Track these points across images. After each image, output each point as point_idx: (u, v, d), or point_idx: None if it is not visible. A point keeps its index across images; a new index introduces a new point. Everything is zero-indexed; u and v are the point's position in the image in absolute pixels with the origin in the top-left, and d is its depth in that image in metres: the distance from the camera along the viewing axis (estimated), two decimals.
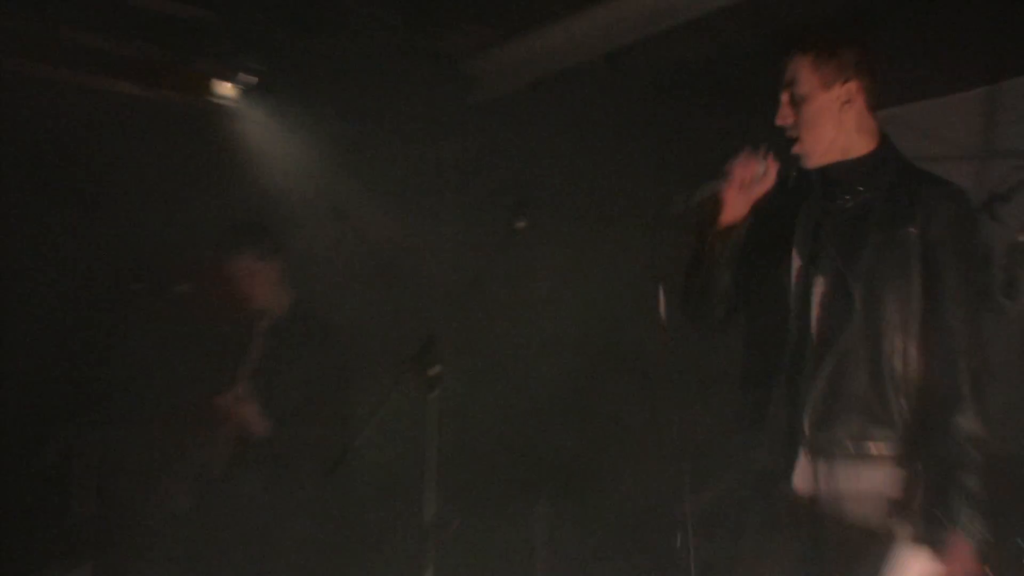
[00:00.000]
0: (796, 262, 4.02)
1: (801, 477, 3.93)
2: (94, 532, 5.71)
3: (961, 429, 3.74)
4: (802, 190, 4.12)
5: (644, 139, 7.75)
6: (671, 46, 7.57)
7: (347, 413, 5.96)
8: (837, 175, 4.05)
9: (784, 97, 4.04)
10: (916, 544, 3.74)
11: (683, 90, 7.90)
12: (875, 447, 3.84)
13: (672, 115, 7.57)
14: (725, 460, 4.34)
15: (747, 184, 4.05)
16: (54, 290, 7.68)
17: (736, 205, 4.08)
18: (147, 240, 7.45)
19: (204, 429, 6.02)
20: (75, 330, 7.33)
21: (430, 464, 4.41)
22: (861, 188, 4.00)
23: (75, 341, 7.18)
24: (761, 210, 4.18)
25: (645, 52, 7.63)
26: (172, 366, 6.35)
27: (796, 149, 4.05)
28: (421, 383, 4.40)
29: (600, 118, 8.03)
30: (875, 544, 3.77)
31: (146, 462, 6.34)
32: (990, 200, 7.03)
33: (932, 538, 3.71)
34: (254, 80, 7.81)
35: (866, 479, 3.85)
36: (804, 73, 4.00)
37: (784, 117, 4.04)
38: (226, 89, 7.97)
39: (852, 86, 4.02)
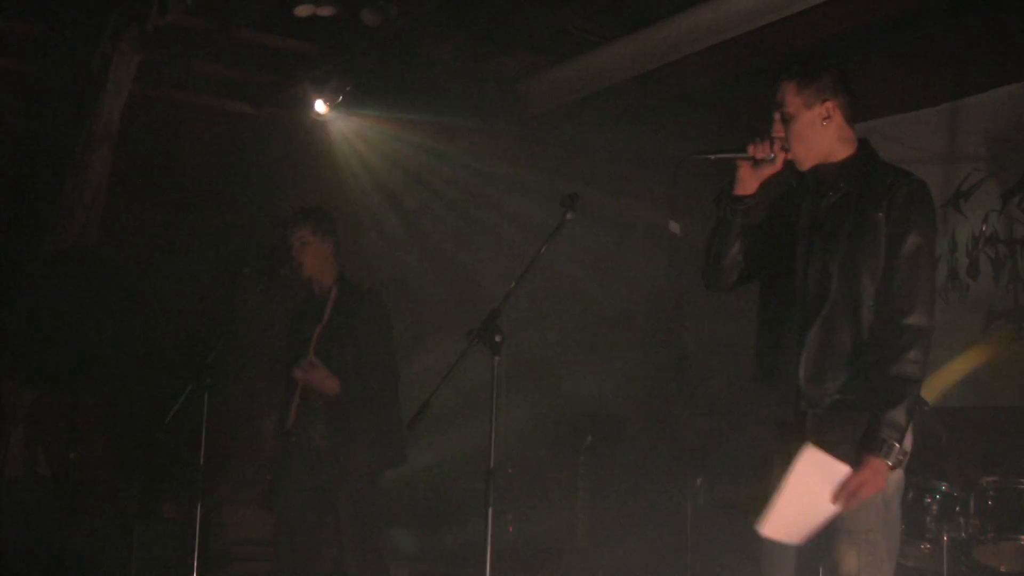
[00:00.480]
0: (801, 246, 4.02)
1: (808, 428, 3.89)
2: (202, 477, 5.65)
3: (901, 370, 3.73)
4: (804, 188, 4.12)
5: (668, 148, 7.70)
6: (688, 71, 7.54)
7: (416, 375, 5.90)
8: (824, 175, 4.06)
9: (776, 115, 4.06)
10: (815, 449, 3.75)
11: (700, 107, 7.84)
12: (854, 398, 3.84)
13: (690, 128, 7.48)
14: (746, 412, 4.29)
15: (758, 163, 4.04)
16: (184, 274, 7.75)
17: (747, 179, 4.08)
18: (256, 231, 7.47)
19: (285, 392, 5.96)
20: (198, 308, 7.36)
21: (494, 418, 4.36)
22: (843, 185, 4.01)
23: (198, 316, 7.20)
24: (777, 203, 4.21)
25: (668, 75, 7.61)
26: (267, 337, 6.32)
27: (789, 156, 4.04)
28: (487, 349, 4.36)
29: (631, 130, 7.97)
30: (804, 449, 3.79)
31: (241, 420, 6.32)
32: (955, 197, 6.98)
33: (859, 451, 3.72)
34: (340, 99, 7.78)
35: (848, 425, 3.82)
36: (789, 96, 4.01)
37: (777, 131, 4.05)
38: (321, 107, 7.95)
39: (830, 105, 4.01)
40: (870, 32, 7.03)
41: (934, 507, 5.61)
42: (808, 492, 3.74)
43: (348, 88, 7.85)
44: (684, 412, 6.94)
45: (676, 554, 7.03)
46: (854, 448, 3.74)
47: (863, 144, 4.09)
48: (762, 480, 4.07)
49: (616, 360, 8.18)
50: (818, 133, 3.99)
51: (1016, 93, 6.78)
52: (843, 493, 3.71)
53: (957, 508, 5.63)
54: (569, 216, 4.53)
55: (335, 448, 5.85)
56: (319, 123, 8.24)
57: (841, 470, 3.71)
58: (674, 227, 4.20)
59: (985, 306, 6.82)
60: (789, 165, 4.08)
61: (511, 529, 7.42)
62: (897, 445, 3.68)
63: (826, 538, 3.83)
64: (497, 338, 4.39)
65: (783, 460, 3.88)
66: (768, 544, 3.96)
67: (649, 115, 8.05)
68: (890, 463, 3.69)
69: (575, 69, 7.88)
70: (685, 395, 7.35)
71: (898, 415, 3.69)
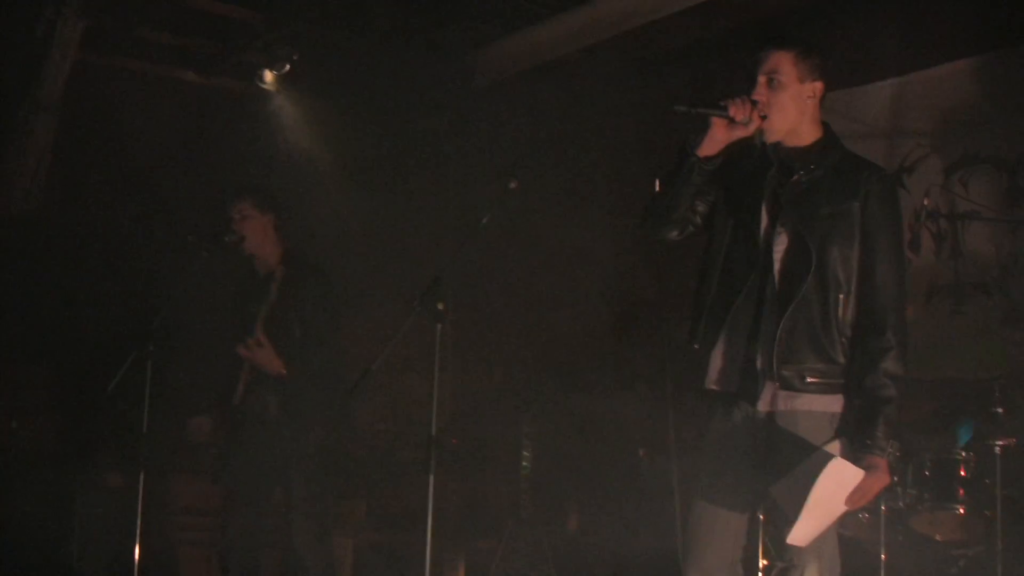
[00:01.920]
0: (764, 220, 4.07)
1: (764, 402, 3.99)
2: (146, 446, 5.65)
3: (887, 370, 3.85)
4: (765, 164, 4.14)
5: (622, 117, 7.71)
6: (643, 40, 7.53)
7: (357, 344, 5.92)
8: (792, 155, 4.10)
9: (762, 79, 4.06)
10: (846, 458, 3.85)
11: (656, 77, 7.85)
12: (823, 380, 3.94)
13: (647, 98, 7.49)
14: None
15: (734, 124, 4.03)
16: (128, 242, 7.72)
17: (717, 138, 4.06)
18: (201, 200, 7.44)
19: (231, 366, 5.94)
20: (143, 276, 7.32)
21: (436, 386, 4.37)
22: (812, 166, 4.06)
23: (142, 285, 7.16)
24: (735, 170, 4.21)
25: (619, 46, 7.60)
26: (210, 306, 6.30)
27: (763, 124, 4.04)
28: (429, 316, 4.37)
29: (582, 100, 7.98)
30: (817, 456, 3.86)
31: (185, 390, 6.30)
32: (899, 171, 7.03)
33: (859, 456, 3.84)
34: (287, 68, 7.75)
35: (817, 405, 3.94)
36: (786, 66, 4.03)
37: (760, 95, 4.04)
38: (267, 76, 7.92)
39: (819, 85, 4.11)
40: (819, 6, 7.05)
41: None
42: (828, 496, 3.84)
43: (295, 57, 7.83)
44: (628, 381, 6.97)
45: (623, 525, 7.09)
46: (846, 445, 3.87)
47: (828, 128, 4.17)
48: (704, 452, 4.16)
49: (562, 326, 8.22)
50: (800, 108, 4.05)
51: (960, 70, 6.84)
52: (856, 496, 3.84)
53: (895, 478, 5.71)
54: (512, 186, 4.55)
55: (285, 422, 5.86)
56: (266, 92, 8.20)
57: (856, 474, 3.82)
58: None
59: (926, 280, 6.88)
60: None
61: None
62: (894, 441, 3.95)
63: (772, 510, 3.95)
64: (440, 306, 4.41)
65: (726, 430, 4.03)
66: (704, 517, 4.07)
67: (597, 87, 8.04)
68: (890, 460, 3.90)
69: (524, 40, 7.87)
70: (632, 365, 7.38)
71: (891, 413, 3.83)
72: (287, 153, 8.21)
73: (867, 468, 3.81)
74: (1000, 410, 5.57)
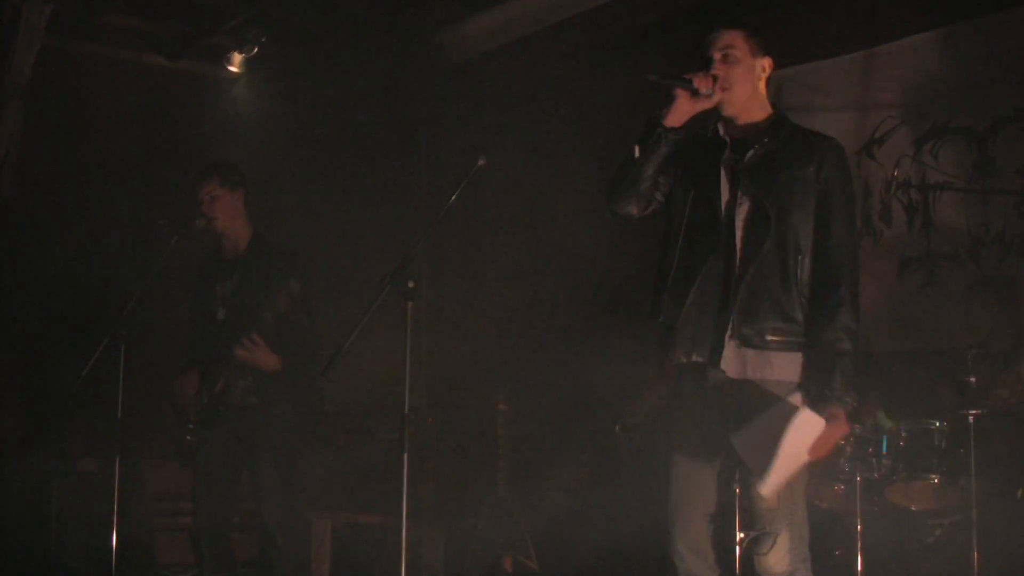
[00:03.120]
0: (724, 193, 4.18)
1: (729, 363, 4.07)
2: (120, 432, 5.62)
3: (842, 324, 3.99)
4: (720, 143, 4.27)
5: (592, 94, 7.70)
6: (611, 17, 7.52)
7: (328, 325, 5.87)
8: (744, 132, 4.24)
9: (717, 55, 4.20)
10: (808, 410, 3.95)
11: (625, 53, 7.83)
12: (783, 338, 4.05)
13: (616, 75, 7.48)
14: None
15: (697, 96, 4.18)
16: (100, 228, 7.68)
17: (682, 110, 4.21)
18: (171, 184, 7.39)
19: (211, 356, 5.90)
20: (115, 262, 7.28)
21: (408, 364, 4.36)
22: (766, 140, 4.19)
23: (115, 271, 7.11)
24: (692, 151, 4.31)
25: (587, 23, 7.59)
26: (183, 291, 6.26)
27: (719, 97, 4.18)
28: (400, 294, 4.36)
29: (551, 78, 7.97)
30: (782, 410, 3.96)
31: (159, 374, 6.25)
32: (868, 144, 7.04)
33: (819, 407, 3.95)
34: (255, 51, 7.72)
35: (780, 361, 4.05)
36: (739, 41, 4.21)
37: (718, 70, 4.19)
38: (236, 59, 7.88)
39: (767, 62, 4.27)
40: None
41: (848, 449, 5.71)
42: (794, 448, 3.93)
43: (263, 39, 7.79)
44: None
45: (600, 502, 7.10)
46: (803, 391, 4.00)
47: (776, 106, 4.34)
48: (675, 420, 4.20)
49: (536, 310, 8.22)
50: (753, 83, 4.23)
51: (928, 41, 6.85)
52: (818, 445, 3.94)
53: (870, 449, 5.74)
54: (480, 163, 4.57)
55: (258, 406, 5.83)
56: (234, 75, 8.15)
57: (819, 423, 3.92)
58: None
59: (898, 251, 6.90)
60: (703, 117, 4.25)
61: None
62: (852, 392, 3.97)
63: (744, 473, 4.02)
64: (410, 284, 4.40)
65: (696, 397, 4.13)
66: (685, 475, 4.17)
67: (566, 64, 8.03)
68: (848, 410, 3.98)
69: (492, 19, 7.84)
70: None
71: (848, 366, 3.96)
72: (255, 136, 8.16)
73: (828, 418, 3.92)
74: (972, 379, 5.60)
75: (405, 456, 4.36)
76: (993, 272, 6.45)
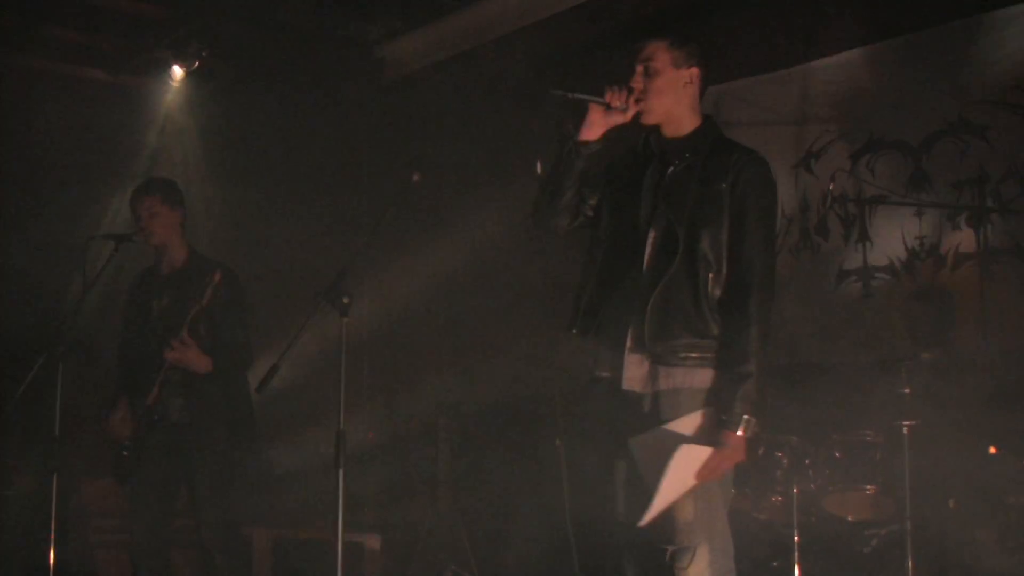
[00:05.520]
0: (644, 210, 4.13)
1: (636, 380, 4.02)
2: (58, 449, 5.57)
3: (748, 345, 3.89)
4: (648, 155, 4.23)
5: (532, 108, 7.72)
6: (552, 31, 7.53)
7: (264, 341, 5.84)
8: (670, 145, 4.19)
9: (639, 67, 4.14)
10: (712, 429, 3.89)
11: (567, 67, 7.87)
12: (698, 355, 3.98)
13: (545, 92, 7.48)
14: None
15: (611, 110, 4.11)
16: (37, 245, 7.60)
17: (595, 124, 4.14)
18: (110, 200, 7.36)
19: (143, 369, 5.86)
20: (51, 278, 7.21)
21: (344, 379, 4.34)
22: (688, 155, 4.13)
23: (51, 287, 7.05)
24: (617, 162, 4.30)
25: (528, 37, 7.60)
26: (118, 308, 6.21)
27: (639, 107, 4.11)
28: (335, 310, 4.34)
29: (490, 93, 7.98)
30: (676, 428, 3.92)
31: (96, 391, 6.20)
32: (806, 158, 7.09)
33: (716, 432, 3.88)
34: (196, 64, 7.69)
35: (691, 379, 3.97)
36: (660, 53, 4.13)
37: (636, 82, 4.13)
38: (177, 73, 7.84)
39: (694, 71, 4.17)
40: None
41: (784, 461, 5.76)
42: (680, 476, 3.86)
43: (204, 54, 7.76)
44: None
45: (539, 515, 7.09)
46: (710, 417, 3.89)
47: (708, 118, 4.24)
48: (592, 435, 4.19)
49: (477, 324, 8.22)
50: (677, 94, 4.13)
51: (862, 57, 6.92)
52: (705, 471, 3.85)
53: (807, 461, 5.78)
54: (415, 178, 4.55)
55: (192, 422, 5.80)
56: (176, 89, 8.11)
57: (706, 452, 3.84)
58: (539, 167, 4.28)
59: (835, 264, 6.96)
60: (636, 129, 4.18)
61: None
62: (751, 418, 3.83)
63: None
64: (345, 300, 4.37)
65: (611, 413, 4.05)
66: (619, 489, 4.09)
67: (507, 78, 8.04)
68: (747, 436, 3.84)
69: (433, 33, 7.85)
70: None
71: (750, 389, 3.84)
72: (196, 150, 8.12)
73: (720, 444, 3.85)
74: (907, 391, 5.64)
75: (340, 472, 4.33)
76: (928, 284, 6.52)
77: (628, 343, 4.01)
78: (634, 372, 4.02)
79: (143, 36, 8.03)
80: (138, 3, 7.68)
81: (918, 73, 6.69)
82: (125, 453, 5.85)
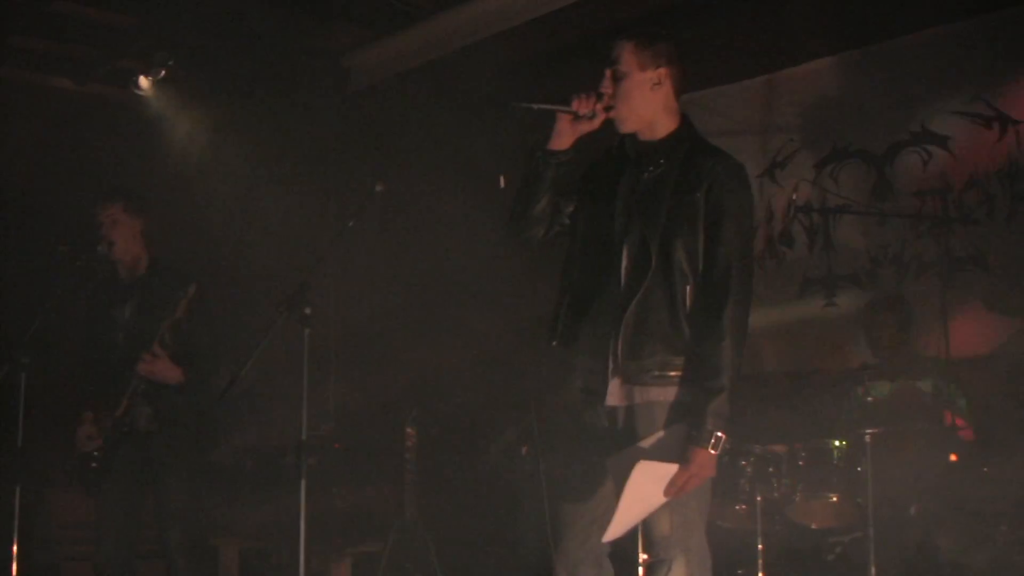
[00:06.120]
0: (619, 218, 4.05)
1: (614, 396, 3.96)
2: (21, 462, 5.53)
3: (721, 359, 3.80)
4: (624, 159, 4.14)
5: (500, 118, 7.70)
6: (520, 40, 7.54)
7: (232, 350, 5.82)
8: (646, 149, 4.09)
9: (608, 72, 4.05)
10: (652, 462, 3.82)
11: (535, 75, 7.88)
12: (674, 372, 3.91)
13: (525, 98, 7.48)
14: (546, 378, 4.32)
15: (578, 118, 4.03)
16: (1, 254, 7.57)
17: (565, 133, 4.06)
18: (76, 209, 7.31)
19: (113, 380, 5.83)
20: (15, 287, 7.16)
21: (305, 390, 4.33)
22: (663, 161, 4.03)
23: (15, 296, 7.00)
24: (594, 168, 4.23)
25: (496, 46, 7.61)
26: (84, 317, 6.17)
27: (611, 115, 4.04)
28: (297, 321, 4.33)
29: (456, 101, 7.98)
30: (647, 446, 3.86)
31: (61, 402, 6.16)
32: (771, 167, 7.13)
33: (686, 449, 3.81)
34: (163, 73, 7.66)
35: (667, 394, 3.90)
36: (626, 55, 4.01)
37: (606, 87, 4.04)
38: (143, 82, 7.82)
39: (663, 72, 4.03)
40: (686, 6, 7.10)
41: (748, 469, 5.76)
42: (641, 494, 3.82)
43: (171, 63, 7.73)
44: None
45: (505, 526, 7.09)
46: (681, 434, 3.81)
47: (685, 119, 4.12)
48: (571, 448, 4.17)
49: (444, 334, 8.21)
50: (646, 97, 4.01)
51: (825, 67, 6.98)
52: (672, 489, 3.79)
53: (771, 469, 5.79)
54: (379, 188, 4.53)
55: (160, 431, 5.78)
56: (142, 98, 8.08)
57: (670, 469, 3.79)
58: (503, 181, 4.22)
59: (800, 273, 7.00)
60: (610, 132, 4.10)
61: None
62: (721, 434, 3.76)
63: None
64: (307, 310, 4.36)
65: (592, 426, 4.02)
66: (567, 506, 4.06)
67: (474, 87, 8.05)
68: (716, 452, 3.77)
69: (399, 43, 7.85)
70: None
71: (721, 405, 3.76)
72: (162, 159, 8.10)
73: (689, 460, 3.78)
74: (870, 399, 5.67)
75: (303, 482, 4.33)
76: (891, 292, 6.56)
77: (612, 362, 3.93)
78: (612, 388, 3.95)
79: (110, 45, 8.01)
80: (105, 12, 7.64)
81: (881, 83, 6.74)
82: (93, 464, 5.83)
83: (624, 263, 3.97)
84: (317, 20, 7.85)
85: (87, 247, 5.89)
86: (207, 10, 7.31)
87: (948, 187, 6.48)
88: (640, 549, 5.42)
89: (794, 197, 6.83)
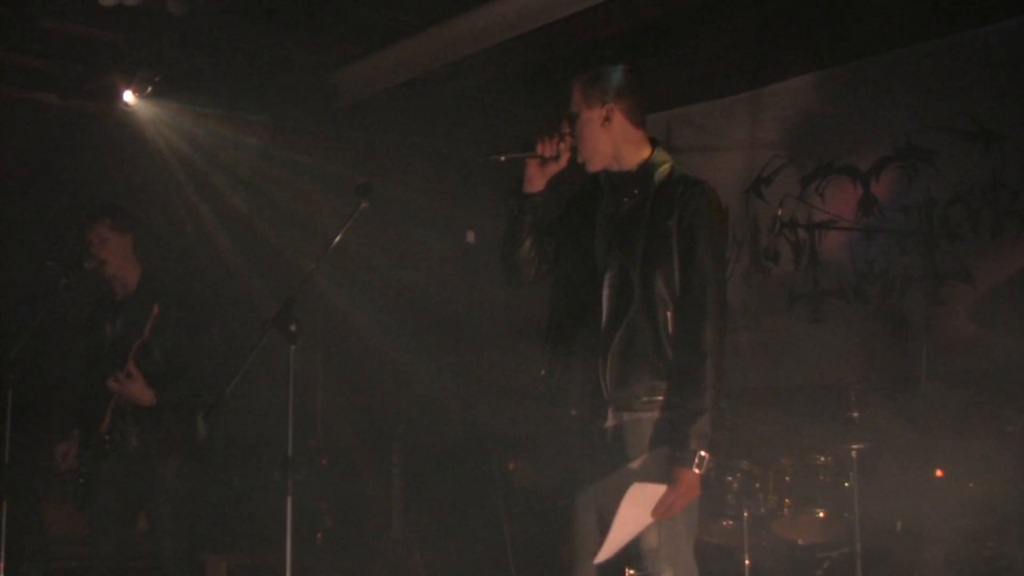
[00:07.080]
0: (599, 250, 4.10)
1: (611, 420, 4.00)
2: (8, 476, 5.51)
3: (699, 383, 3.85)
4: (600, 192, 4.19)
5: (475, 134, 7.74)
6: (505, 56, 7.55)
7: (217, 367, 5.80)
8: (618, 180, 4.14)
9: (565, 112, 4.13)
10: (642, 484, 3.86)
11: (520, 92, 7.90)
12: (662, 396, 3.94)
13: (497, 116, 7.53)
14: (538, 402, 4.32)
15: (546, 161, 4.11)
16: None
17: (535, 177, 4.15)
18: (63, 225, 7.30)
19: (95, 396, 5.81)
20: (2, 303, 7.14)
21: (291, 407, 4.31)
22: (636, 191, 4.08)
23: (2, 312, 6.97)
24: (573, 201, 4.27)
25: (480, 64, 7.63)
26: (72, 334, 6.16)
27: (567, 157, 4.11)
28: (283, 338, 4.32)
29: (441, 117, 8.00)
30: (635, 467, 3.91)
31: (53, 420, 6.15)
32: (756, 183, 7.14)
33: (669, 470, 3.85)
34: (149, 89, 7.65)
35: (654, 413, 3.93)
36: (576, 95, 4.09)
37: (565, 127, 4.12)
38: (129, 97, 7.81)
39: (610, 107, 4.06)
40: (670, 22, 7.12)
41: (735, 485, 5.77)
42: (632, 515, 3.85)
43: (156, 79, 7.72)
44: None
45: (493, 545, 7.09)
46: (666, 455, 3.85)
47: (655, 148, 4.14)
48: (568, 470, 4.19)
49: (432, 352, 8.22)
50: (597, 134, 4.04)
51: (810, 83, 6.99)
52: (660, 510, 3.82)
53: (757, 485, 5.80)
54: (364, 205, 4.54)
55: (148, 449, 5.76)
56: (129, 114, 8.07)
57: (659, 490, 3.82)
58: (470, 236, 4.26)
59: (786, 288, 7.01)
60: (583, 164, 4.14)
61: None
62: (705, 454, 3.79)
63: None
64: (292, 327, 4.35)
65: (585, 450, 4.06)
66: (578, 524, 4.10)
67: (453, 107, 8.07)
68: (701, 472, 3.81)
69: (384, 59, 7.84)
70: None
71: (703, 425, 3.80)
72: (149, 175, 8.09)
73: (673, 481, 3.82)
74: (856, 414, 5.67)
75: (288, 499, 4.31)
76: (877, 308, 6.58)
77: (602, 390, 3.97)
78: (607, 411, 3.99)
79: (96, 61, 8.00)
80: (91, 28, 7.63)
81: (867, 99, 6.76)
82: (81, 481, 5.82)
83: (606, 293, 4.02)
84: (303, 37, 7.85)
85: (74, 264, 5.89)
86: (193, 26, 7.31)
87: (933, 202, 6.49)
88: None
89: (780, 212, 6.84)
